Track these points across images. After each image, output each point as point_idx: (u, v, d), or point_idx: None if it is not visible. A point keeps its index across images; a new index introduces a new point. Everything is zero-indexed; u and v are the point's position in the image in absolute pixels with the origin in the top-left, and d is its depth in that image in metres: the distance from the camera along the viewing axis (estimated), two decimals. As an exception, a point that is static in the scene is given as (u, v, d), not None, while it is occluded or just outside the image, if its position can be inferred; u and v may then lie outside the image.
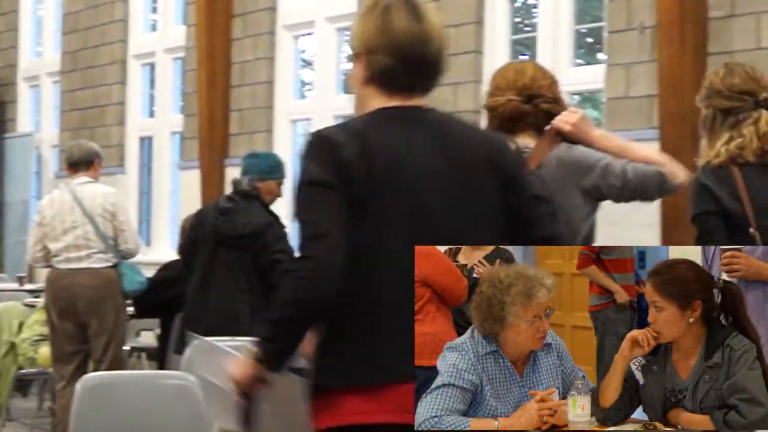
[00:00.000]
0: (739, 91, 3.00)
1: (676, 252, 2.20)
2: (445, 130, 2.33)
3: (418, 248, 2.23)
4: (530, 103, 2.84)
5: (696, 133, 5.67)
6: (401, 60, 2.27)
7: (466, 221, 2.29)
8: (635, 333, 2.11)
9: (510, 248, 2.58)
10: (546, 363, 2.17)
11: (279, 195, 5.31)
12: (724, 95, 3.01)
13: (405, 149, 2.25)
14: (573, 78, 6.69)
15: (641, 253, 2.45)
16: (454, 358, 2.11)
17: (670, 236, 5.59)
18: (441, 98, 7.28)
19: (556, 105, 2.86)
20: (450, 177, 2.28)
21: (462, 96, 6.96)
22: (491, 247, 2.70)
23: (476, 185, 2.31)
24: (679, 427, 2.07)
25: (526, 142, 2.82)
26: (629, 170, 2.73)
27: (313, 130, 2.37)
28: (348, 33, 8.23)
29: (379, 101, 2.31)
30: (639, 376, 2.11)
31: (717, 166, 2.95)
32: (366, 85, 2.33)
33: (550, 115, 2.83)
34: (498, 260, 2.64)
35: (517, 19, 7.46)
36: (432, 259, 2.41)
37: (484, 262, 2.69)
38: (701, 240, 2.91)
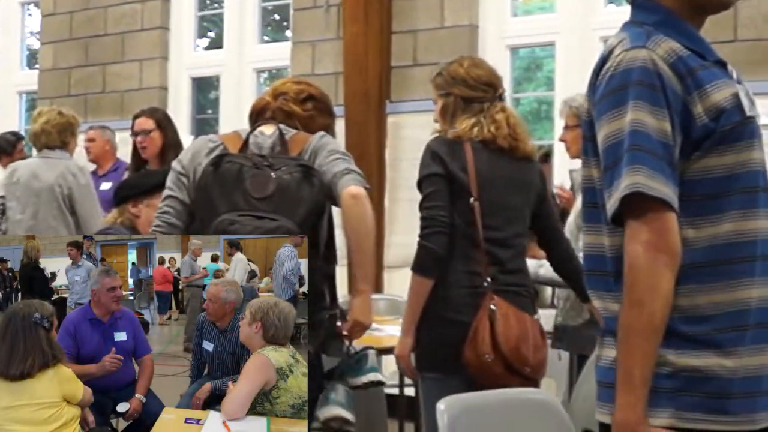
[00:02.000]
0: (483, 82, 3.20)
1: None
2: None
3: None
4: (275, 100, 2.99)
5: (381, 109, 5.86)
6: None
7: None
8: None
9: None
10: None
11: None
12: (468, 85, 3.18)
13: None
14: (260, 55, 6.80)
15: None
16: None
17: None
18: (127, 74, 7.16)
19: (295, 106, 2.99)
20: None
21: (148, 72, 6.91)
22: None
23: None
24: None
25: (270, 131, 2.90)
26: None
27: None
28: (31, 8, 7.96)
29: None
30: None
31: (452, 139, 3.13)
32: None
33: (287, 114, 2.97)
34: None
35: (205, -5, 7.44)
36: None
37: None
38: (425, 200, 3.08)
